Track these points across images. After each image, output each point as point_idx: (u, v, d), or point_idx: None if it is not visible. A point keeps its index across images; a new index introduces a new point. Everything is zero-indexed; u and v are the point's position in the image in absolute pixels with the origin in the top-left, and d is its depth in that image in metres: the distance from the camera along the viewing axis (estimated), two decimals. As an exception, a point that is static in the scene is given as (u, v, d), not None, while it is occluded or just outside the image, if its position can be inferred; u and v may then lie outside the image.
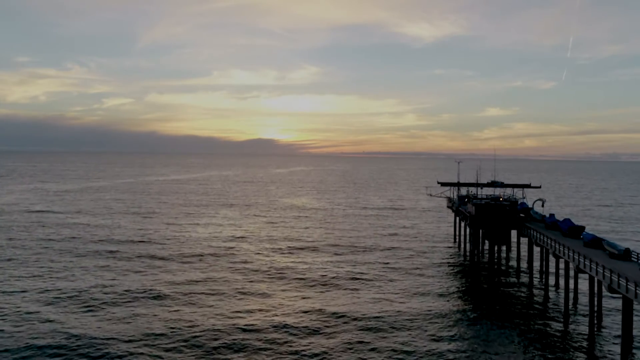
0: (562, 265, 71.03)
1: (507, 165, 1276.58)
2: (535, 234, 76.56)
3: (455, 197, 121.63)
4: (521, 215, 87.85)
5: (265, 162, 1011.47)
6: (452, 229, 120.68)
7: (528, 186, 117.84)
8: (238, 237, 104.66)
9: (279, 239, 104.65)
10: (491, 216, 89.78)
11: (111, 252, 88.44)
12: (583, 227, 73.73)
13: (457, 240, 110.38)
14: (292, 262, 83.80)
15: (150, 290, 65.16)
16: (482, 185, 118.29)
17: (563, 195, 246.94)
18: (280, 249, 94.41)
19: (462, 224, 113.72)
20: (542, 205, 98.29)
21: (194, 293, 64.32)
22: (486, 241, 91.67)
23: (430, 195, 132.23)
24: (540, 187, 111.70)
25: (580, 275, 61.29)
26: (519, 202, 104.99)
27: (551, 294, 68.61)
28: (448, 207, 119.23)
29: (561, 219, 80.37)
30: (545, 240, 70.46)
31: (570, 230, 72.90)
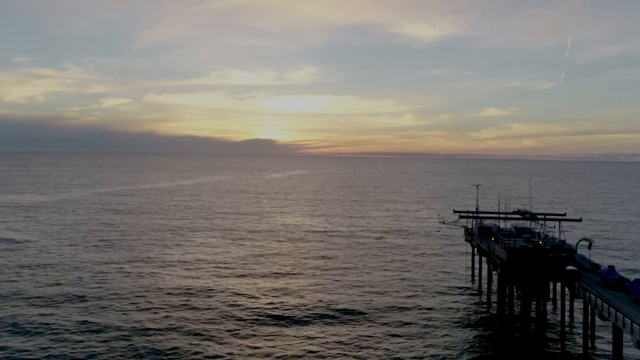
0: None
1: (505, 166, 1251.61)
2: (598, 301, 56.81)
3: (475, 228, 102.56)
4: (572, 268, 67.77)
5: (262, 164, 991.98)
6: (470, 264, 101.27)
7: (564, 217, 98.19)
8: (207, 290, 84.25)
9: (257, 291, 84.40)
10: (529, 265, 70.48)
11: (41, 315, 68.52)
12: None
13: (478, 284, 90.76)
14: (269, 339, 63.90)
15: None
16: (508, 218, 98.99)
17: (577, 207, 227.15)
18: (256, 311, 74.43)
19: (484, 263, 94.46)
20: (589, 247, 78.73)
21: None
22: (515, 288, 72.63)
23: (444, 223, 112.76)
24: (580, 220, 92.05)
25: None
26: (556, 241, 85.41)
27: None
28: (467, 240, 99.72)
29: (628, 278, 60.54)
30: (620, 318, 50.59)
31: None
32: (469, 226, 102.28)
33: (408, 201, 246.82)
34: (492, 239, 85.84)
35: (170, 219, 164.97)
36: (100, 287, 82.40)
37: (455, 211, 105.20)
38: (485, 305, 78.94)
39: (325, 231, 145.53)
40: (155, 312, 70.28)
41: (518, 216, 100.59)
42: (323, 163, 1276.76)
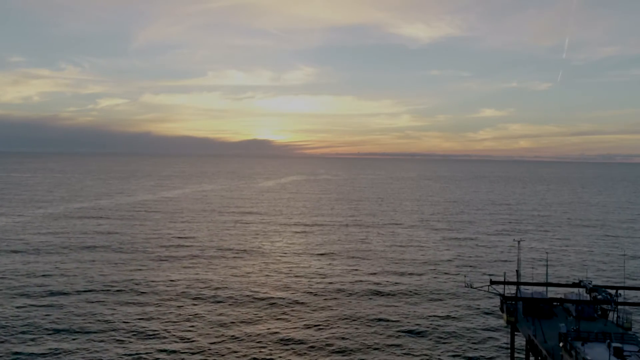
0: None
1: (503, 168, 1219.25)
2: None
3: (519, 304, 75.41)
4: None
5: (257, 168, 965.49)
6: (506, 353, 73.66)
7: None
8: None
9: None
10: None
11: None
12: None
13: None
14: None
15: None
16: (569, 301, 71.38)
17: (605, 231, 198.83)
18: None
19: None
20: None
21: None
22: None
23: (471, 287, 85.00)
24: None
25: None
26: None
27: None
28: (509, 322, 72.00)
29: None
30: None
31: None
32: (506, 294, 75.03)
33: (412, 223, 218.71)
34: (561, 344, 58.55)
35: (129, 260, 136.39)
36: None
37: (492, 282, 77.55)
38: None
39: (318, 284, 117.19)
40: None
41: (586, 296, 73.16)
42: (320, 166, 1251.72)
